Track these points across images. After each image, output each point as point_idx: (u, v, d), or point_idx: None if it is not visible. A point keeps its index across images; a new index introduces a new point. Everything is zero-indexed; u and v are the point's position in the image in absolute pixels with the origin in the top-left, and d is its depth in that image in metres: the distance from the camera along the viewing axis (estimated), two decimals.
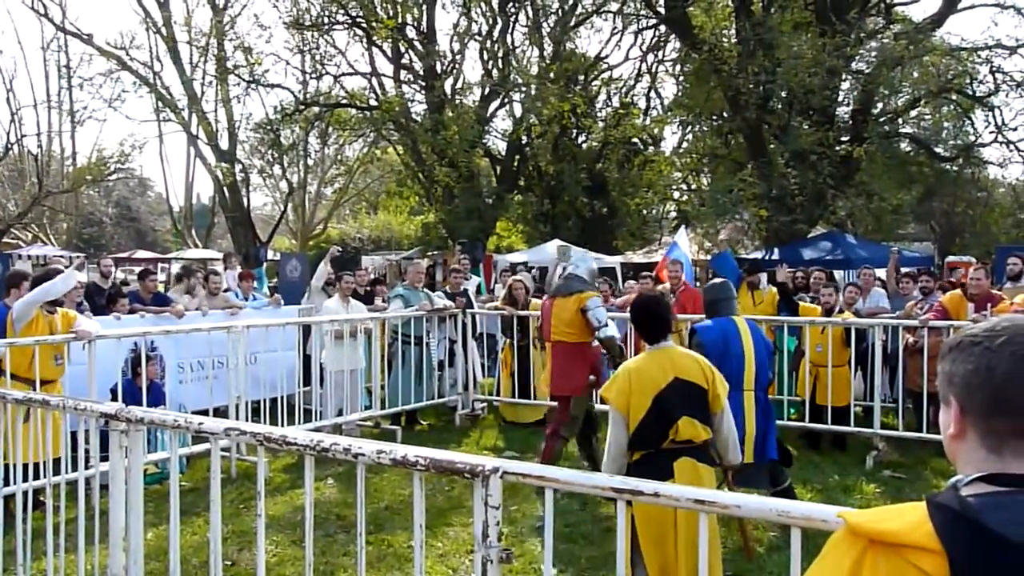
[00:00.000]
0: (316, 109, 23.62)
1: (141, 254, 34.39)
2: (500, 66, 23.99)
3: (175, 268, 24.27)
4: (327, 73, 24.23)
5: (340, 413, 8.27)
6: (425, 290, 9.52)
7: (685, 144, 28.51)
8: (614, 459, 3.89)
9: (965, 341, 1.23)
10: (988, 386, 1.18)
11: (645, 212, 28.34)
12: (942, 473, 7.16)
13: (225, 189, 25.09)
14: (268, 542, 5.39)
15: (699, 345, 5.18)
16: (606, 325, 6.63)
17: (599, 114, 26.41)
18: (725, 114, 21.92)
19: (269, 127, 23.90)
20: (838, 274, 15.38)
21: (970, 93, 20.18)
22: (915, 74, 18.90)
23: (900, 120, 21.46)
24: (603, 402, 4.11)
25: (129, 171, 35.11)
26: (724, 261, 10.60)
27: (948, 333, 6.77)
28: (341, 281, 9.09)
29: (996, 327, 1.21)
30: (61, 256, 20.94)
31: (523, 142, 24.40)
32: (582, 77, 25.47)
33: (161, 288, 11.18)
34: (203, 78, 25.58)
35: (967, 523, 1.10)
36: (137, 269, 12.28)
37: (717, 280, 6.22)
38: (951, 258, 22.55)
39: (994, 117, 20.34)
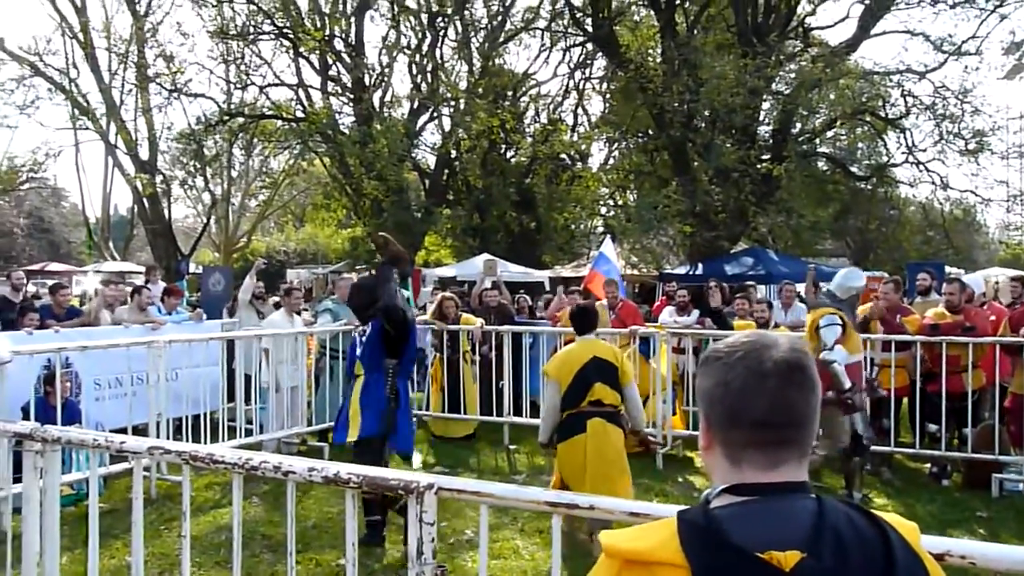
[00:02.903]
0: (240, 120, 23.19)
1: (54, 266, 33.19)
2: (429, 80, 23.98)
3: (91, 281, 23.46)
4: (252, 84, 23.79)
5: (263, 430, 8.13)
6: None
7: (612, 160, 28.93)
8: (549, 415, 5.56)
9: (711, 357, 1.27)
10: (725, 399, 1.22)
11: (573, 227, 28.60)
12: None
13: (145, 200, 24.38)
14: (191, 564, 5.22)
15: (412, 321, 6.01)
16: (831, 349, 6.37)
17: (527, 130, 26.62)
18: (651, 131, 22.36)
19: (191, 137, 23.35)
20: (760, 289, 15.74)
21: (883, 115, 21.00)
22: (831, 96, 19.56)
23: (818, 140, 22.17)
24: (545, 375, 5.66)
25: (42, 180, 33.92)
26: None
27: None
28: (290, 296, 8.91)
29: (736, 343, 1.25)
30: None
31: (452, 156, 24.40)
32: (511, 93, 25.66)
33: (75, 302, 10.80)
34: (122, 86, 24.85)
35: (708, 536, 1.14)
36: (50, 282, 11.81)
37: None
38: (865, 273, 23.26)
39: (905, 139, 21.20)
